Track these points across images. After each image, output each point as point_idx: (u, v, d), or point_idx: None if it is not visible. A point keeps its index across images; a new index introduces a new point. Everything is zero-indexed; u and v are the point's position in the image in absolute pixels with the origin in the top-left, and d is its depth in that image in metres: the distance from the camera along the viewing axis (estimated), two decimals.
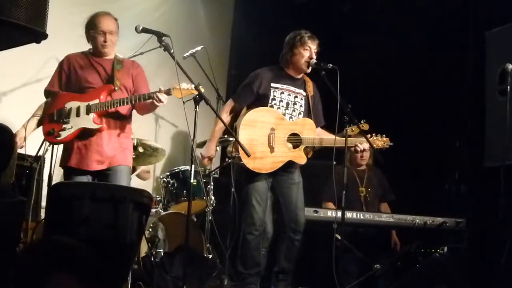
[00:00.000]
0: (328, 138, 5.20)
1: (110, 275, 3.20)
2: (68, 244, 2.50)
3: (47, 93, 4.89)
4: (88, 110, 4.70)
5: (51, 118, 4.74)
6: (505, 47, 5.91)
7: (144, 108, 4.95)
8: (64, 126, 4.69)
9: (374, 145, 5.17)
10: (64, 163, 4.78)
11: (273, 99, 5.20)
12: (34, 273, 2.33)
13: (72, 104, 4.74)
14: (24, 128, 4.90)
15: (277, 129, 5.12)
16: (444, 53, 6.66)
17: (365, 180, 6.29)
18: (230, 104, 5.31)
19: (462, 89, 6.50)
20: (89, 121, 4.72)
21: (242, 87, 5.32)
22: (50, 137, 4.72)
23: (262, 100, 5.19)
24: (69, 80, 4.83)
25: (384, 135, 5.25)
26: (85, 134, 4.73)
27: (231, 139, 5.44)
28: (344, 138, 5.01)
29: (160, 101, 4.65)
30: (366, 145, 5.16)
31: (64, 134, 4.69)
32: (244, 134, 5.00)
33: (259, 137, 5.04)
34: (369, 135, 5.14)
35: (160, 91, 4.62)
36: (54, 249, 2.42)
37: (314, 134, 5.22)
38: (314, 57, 5.18)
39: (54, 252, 2.40)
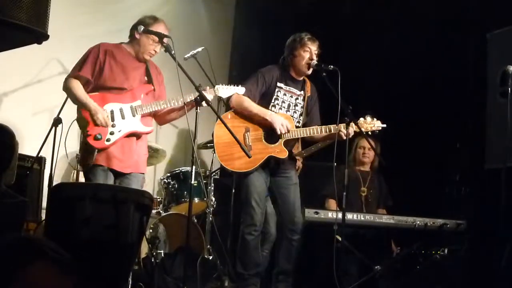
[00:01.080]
0: (309, 128, 5.20)
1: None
2: (35, 237, 2.49)
3: (79, 78, 4.61)
4: (134, 112, 4.64)
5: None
6: (506, 49, 5.90)
7: (172, 115, 4.95)
8: (111, 129, 4.55)
9: (363, 129, 5.14)
10: (104, 163, 4.57)
11: (276, 98, 5.22)
12: (3, 268, 2.29)
13: (112, 106, 4.62)
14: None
15: (252, 128, 5.13)
16: (444, 54, 6.66)
17: (368, 181, 6.31)
18: (242, 97, 5.11)
19: (463, 91, 6.50)
20: (138, 124, 4.67)
21: (253, 82, 5.22)
22: (98, 142, 4.51)
23: (265, 97, 5.21)
24: (101, 72, 4.63)
25: (374, 118, 5.24)
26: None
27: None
28: (325, 126, 5.10)
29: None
30: (351, 130, 5.05)
31: (113, 138, 4.55)
32: (218, 138, 5.03)
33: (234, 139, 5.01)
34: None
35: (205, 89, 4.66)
36: (21, 242, 2.39)
37: (293, 127, 5.19)
38: (315, 58, 5.19)
39: (22, 245, 2.38)
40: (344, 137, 5.01)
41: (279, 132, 5.07)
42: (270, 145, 5.12)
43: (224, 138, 4.95)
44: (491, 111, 6.05)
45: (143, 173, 4.89)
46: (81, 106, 4.57)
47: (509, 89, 4.95)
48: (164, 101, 4.71)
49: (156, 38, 4.66)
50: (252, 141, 5.10)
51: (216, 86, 4.82)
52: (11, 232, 3.30)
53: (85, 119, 4.55)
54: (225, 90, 4.91)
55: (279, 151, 5.13)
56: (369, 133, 5.23)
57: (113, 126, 4.55)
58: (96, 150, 4.51)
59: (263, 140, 5.13)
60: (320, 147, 5.48)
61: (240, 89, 5.02)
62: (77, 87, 4.58)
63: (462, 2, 6.53)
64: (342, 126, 4.96)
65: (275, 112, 5.18)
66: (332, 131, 5.07)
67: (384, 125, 5.26)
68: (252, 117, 5.13)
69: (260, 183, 5.13)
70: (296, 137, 5.20)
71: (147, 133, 4.78)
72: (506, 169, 4.89)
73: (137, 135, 4.71)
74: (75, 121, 4.66)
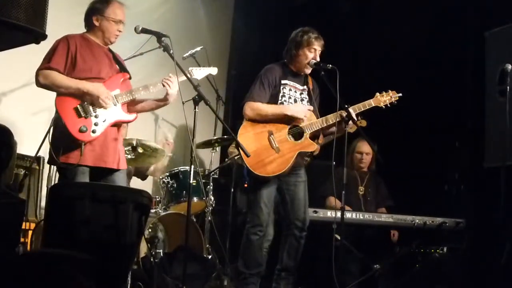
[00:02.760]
0: (327, 116, 5.16)
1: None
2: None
3: (51, 70, 4.40)
4: (114, 101, 4.50)
5: (77, 113, 4.36)
6: (505, 47, 5.90)
7: (142, 106, 4.85)
8: (95, 120, 4.41)
9: (382, 103, 5.18)
10: (89, 162, 4.39)
11: (283, 95, 5.22)
12: None
13: None
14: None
15: (275, 130, 5.12)
16: (444, 53, 6.66)
17: (365, 180, 6.32)
18: (255, 103, 5.12)
19: (462, 90, 6.50)
20: (121, 113, 4.57)
21: (259, 86, 5.21)
22: (83, 134, 4.32)
23: (272, 96, 5.20)
24: (74, 65, 4.47)
25: (389, 90, 5.24)
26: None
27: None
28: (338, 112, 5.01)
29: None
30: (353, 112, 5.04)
31: (99, 129, 4.41)
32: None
33: (260, 145, 5.01)
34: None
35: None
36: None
37: (314, 118, 5.20)
38: (318, 58, 5.18)
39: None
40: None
41: (304, 118, 5.09)
42: (297, 142, 5.13)
43: (249, 147, 4.75)
44: (490, 110, 6.05)
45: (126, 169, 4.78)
46: (75, 92, 4.39)
47: (508, 87, 4.96)
48: (144, 87, 4.62)
49: (118, 18, 4.62)
50: (279, 143, 5.09)
51: (190, 68, 4.73)
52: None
53: (65, 111, 4.38)
54: (199, 72, 4.87)
55: (307, 145, 5.14)
56: (388, 105, 5.21)
57: (96, 117, 4.43)
58: (83, 144, 4.34)
59: (289, 139, 5.13)
60: (337, 135, 5.45)
61: (213, 70, 5.05)
62: (58, 74, 4.41)
63: (460, 1, 6.53)
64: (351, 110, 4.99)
65: None
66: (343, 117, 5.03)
67: (400, 94, 5.25)
68: (271, 119, 5.12)
69: (271, 183, 5.13)
70: (318, 128, 5.17)
71: (131, 121, 4.71)
72: (505, 168, 4.90)
73: (118, 125, 4.61)
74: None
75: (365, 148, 6.30)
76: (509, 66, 4.98)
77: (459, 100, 6.49)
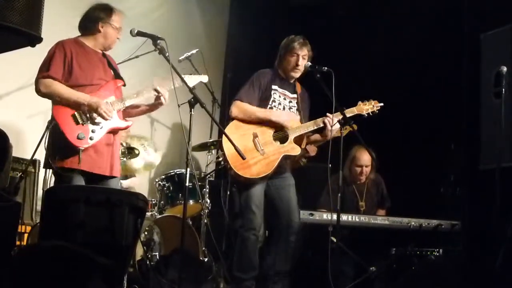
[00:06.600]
0: (311, 121, 5.26)
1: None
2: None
3: (49, 78, 4.44)
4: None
5: (75, 120, 4.41)
6: (500, 49, 5.91)
7: (137, 110, 4.90)
8: (93, 127, 4.44)
9: (364, 111, 5.29)
10: (85, 167, 4.40)
11: (273, 101, 5.29)
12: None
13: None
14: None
15: (260, 133, 5.17)
16: (439, 55, 6.66)
17: (364, 195, 6.29)
18: (242, 103, 5.20)
19: (457, 92, 6.50)
20: (117, 120, 4.59)
21: (249, 87, 5.28)
22: (81, 141, 4.36)
23: (263, 100, 5.26)
24: (70, 71, 4.51)
25: (371, 99, 5.37)
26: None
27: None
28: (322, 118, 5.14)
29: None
30: (331, 118, 5.11)
31: (96, 136, 4.44)
32: (228, 149, 4.98)
33: (245, 147, 4.99)
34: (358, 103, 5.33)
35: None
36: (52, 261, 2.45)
37: (298, 123, 5.27)
38: (301, 63, 5.25)
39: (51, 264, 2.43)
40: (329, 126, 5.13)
41: (288, 126, 5.16)
42: (282, 145, 5.18)
43: (233, 148, 4.78)
44: (485, 112, 6.06)
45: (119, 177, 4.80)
46: (73, 103, 4.42)
47: (503, 89, 4.97)
48: (136, 93, 4.65)
49: (118, 25, 4.68)
50: (264, 145, 5.13)
51: (182, 76, 4.78)
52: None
53: (63, 118, 4.41)
54: (190, 79, 4.85)
55: (291, 148, 5.19)
56: (370, 114, 5.31)
57: (93, 123, 4.45)
58: (81, 150, 4.35)
59: (274, 142, 5.17)
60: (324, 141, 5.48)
61: (204, 77, 5.05)
62: (58, 84, 4.44)
63: (456, 4, 6.54)
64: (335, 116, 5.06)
65: None
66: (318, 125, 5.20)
67: (382, 104, 5.36)
68: (258, 121, 5.17)
69: (259, 186, 5.14)
70: (302, 133, 5.24)
71: (127, 127, 4.74)
72: (500, 170, 4.90)
73: (114, 132, 4.63)
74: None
75: (364, 160, 6.21)
76: (504, 68, 5.01)
77: (455, 102, 6.49)
